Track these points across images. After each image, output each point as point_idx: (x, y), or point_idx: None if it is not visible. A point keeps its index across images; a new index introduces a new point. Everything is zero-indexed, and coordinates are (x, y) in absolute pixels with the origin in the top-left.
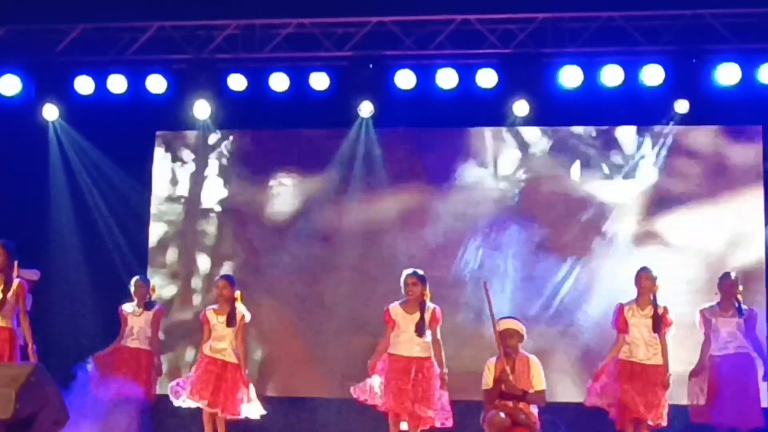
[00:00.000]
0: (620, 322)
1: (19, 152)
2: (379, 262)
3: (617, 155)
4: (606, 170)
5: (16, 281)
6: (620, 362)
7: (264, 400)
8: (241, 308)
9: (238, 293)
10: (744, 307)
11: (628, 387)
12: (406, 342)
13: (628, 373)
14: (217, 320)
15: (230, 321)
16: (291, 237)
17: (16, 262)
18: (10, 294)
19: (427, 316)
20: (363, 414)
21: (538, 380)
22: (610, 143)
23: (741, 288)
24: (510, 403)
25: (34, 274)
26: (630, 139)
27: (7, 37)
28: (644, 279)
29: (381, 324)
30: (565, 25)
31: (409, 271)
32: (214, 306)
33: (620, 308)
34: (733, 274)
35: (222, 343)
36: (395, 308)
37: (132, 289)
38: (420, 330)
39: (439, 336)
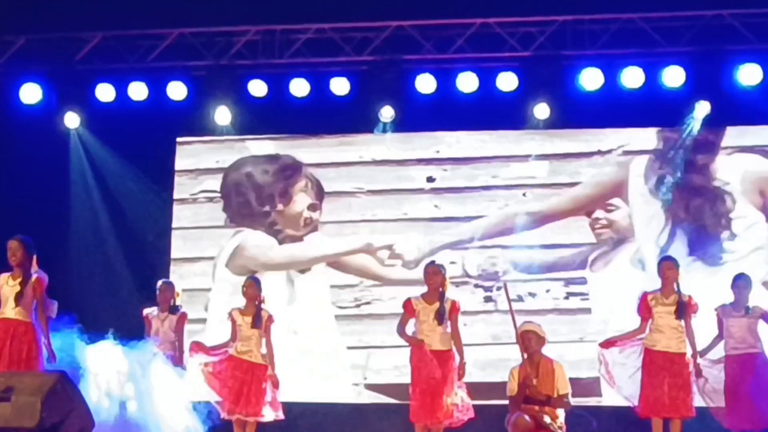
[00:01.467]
0: (643, 309)
1: (40, 160)
2: None
3: None
4: None
5: (33, 276)
6: (645, 351)
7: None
8: (266, 309)
9: (263, 295)
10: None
11: (655, 382)
12: (430, 334)
13: (651, 363)
14: (242, 321)
15: (256, 322)
16: None
17: (34, 257)
18: (27, 288)
19: (447, 306)
20: None
21: (563, 383)
22: None
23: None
24: (535, 407)
25: (52, 309)
26: None
27: (27, 46)
28: (667, 269)
29: None
30: (584, 27)
31: (429, 260)
32: (240, 306)
33: (644, 296)
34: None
35: (248, 344)
36: (416, 299)
37: (157, 292)
38: (440, 318)
39: (458, 327)
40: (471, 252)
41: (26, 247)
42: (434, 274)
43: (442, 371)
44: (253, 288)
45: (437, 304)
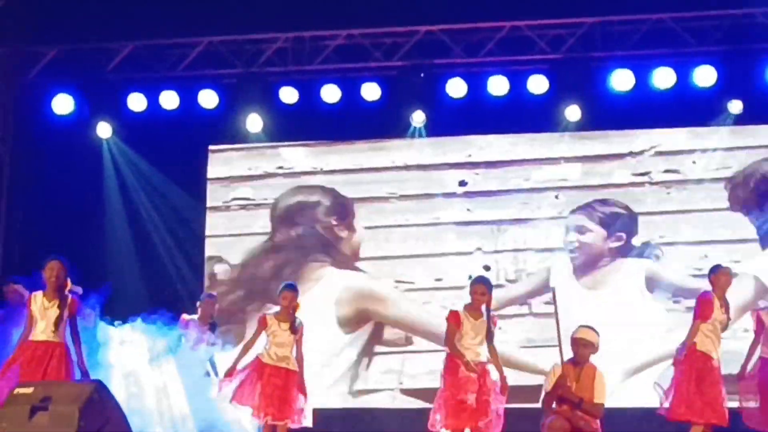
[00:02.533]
0: (705, 311)
1: (73, 171)
2: None
3: None
4: None
5: (69, 297)
6: (701, 355)
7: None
8: (297, 315)
9: (299, 302)
10: None
11: (692, 389)
12: (471, 347)
13: (697, 366)
14: (279, 327)
15: (293, 328)
16: None
17: (69, 280)
18: (66, 311)
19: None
20: None
21: (600, 393)
22: None
23: None
24: (567, 407)
25: (90, 319)
26: None
27: (59, 58)
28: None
29: None
30: (614, 29)
31: (477, 276)
32: (274, 311)
33: (710, 298)
34: None
35: (284, 350)
36: (463, 313)
37: (199, 304)
38: (491, 337)
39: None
40: (505, 255)
41: (67, 270)
42: (482, 294)
43: (479, 381)
44: (292, 295)
45: (483, 321)
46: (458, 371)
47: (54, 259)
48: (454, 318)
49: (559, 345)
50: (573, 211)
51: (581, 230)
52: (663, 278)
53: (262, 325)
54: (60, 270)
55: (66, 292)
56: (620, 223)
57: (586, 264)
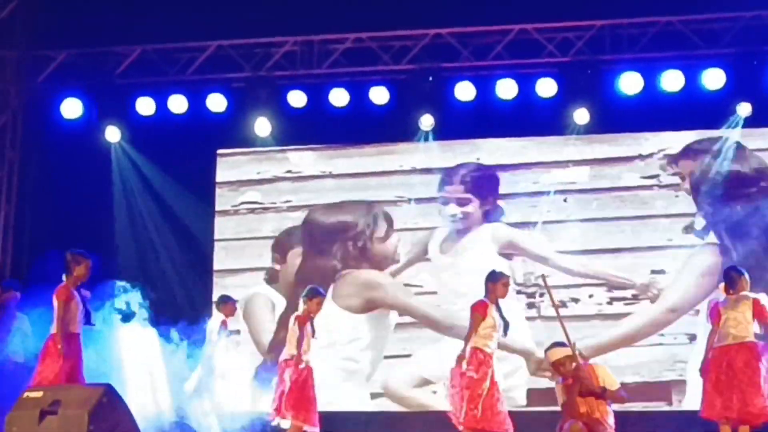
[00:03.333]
0: (713, 315)
1: (82, 174)
2: None
3: None
4: None
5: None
6: (715, 351)
7: None
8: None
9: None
10: None
11: (724, 373)
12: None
13: (719, 360)
14: (309, 330)
15: (314, 332)
16: None
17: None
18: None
19: None
20: None
21: (611, 380)
22: None
23: None
24: (591, 399)
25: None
26: None
27: (67, 62)
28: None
29: None
30: (623, 32)
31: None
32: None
33: (715, 304)
34: None
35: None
36: (491, 306)
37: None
38: (507, 329)
39: None
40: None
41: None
42: (506, 286)
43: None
44: (319, 299)
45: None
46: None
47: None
48: (485, 309)
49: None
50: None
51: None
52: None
53: (299, 326)
54: (87, 266)
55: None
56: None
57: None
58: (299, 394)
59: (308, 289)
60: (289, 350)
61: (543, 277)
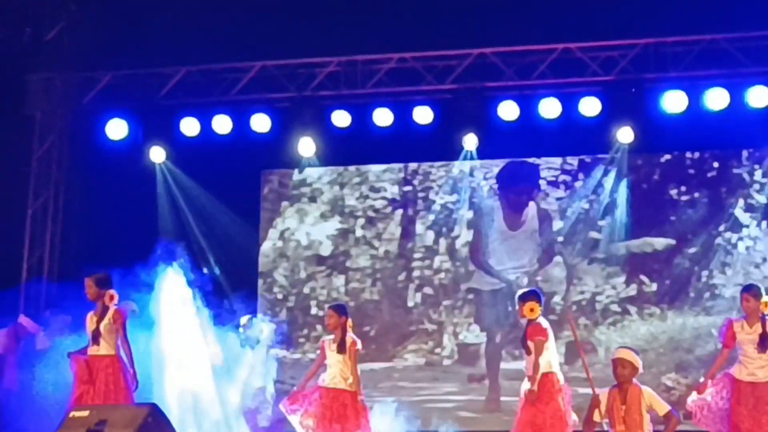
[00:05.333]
0: (727, 337)
1: (127, 195)
2: None
3: None
4: None
5: (112, 309)
6: (731, 379)
7: None
8: (350, 335)
9: (349, 321)
10: None
11: (739, 409)
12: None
13: (737, 392)
14: (329, 348)
15: (340, 348)
16: None
17: (111, 292)
18: (105, 323)
19: None
20: None
21: (659, 405)
22: None
23: None
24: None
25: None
26: None
27: (113, 83)
28: (744, 300)
29: None
30: (667, 50)
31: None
32: (331, 336)
33: (729, 323)
34: None
35: (333, 370)
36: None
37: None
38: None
39: None
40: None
41: (97, 283)
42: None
43: None
44: (334, 318)
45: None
46: None
47: (87, 276)
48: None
49: None
50: None
51: None
52: None
53: (321, 349)
54: (89, 286)
55: (108, 304)
56: None
57: None
58: None
59: None
60: None
61: (569, 315)
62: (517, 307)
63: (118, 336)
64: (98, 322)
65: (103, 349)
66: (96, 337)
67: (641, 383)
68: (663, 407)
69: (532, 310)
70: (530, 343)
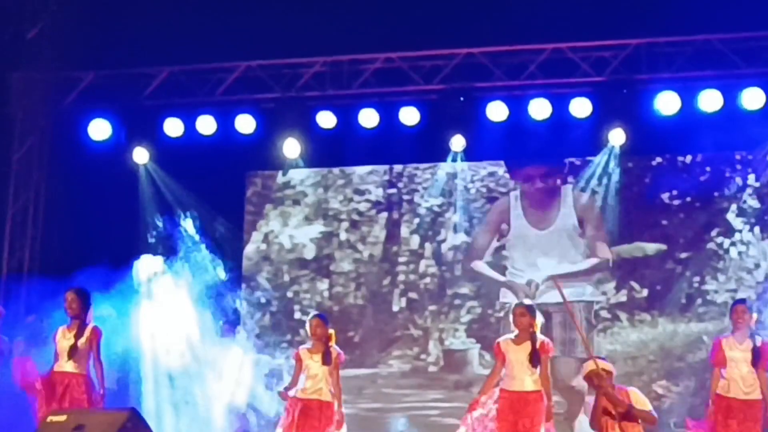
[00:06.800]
0: (718, 357)
1: (110, 196)
2: None
3: None
4: None
5: (89, 327)
6: (718, 397)
7: None
8: (335, 347)
9: (332, 332)
10: None
11: (729, 423)
12: (518, 375)
13: (726, 409)
14: (311, 359)
15: (326, 359)
16: None
17: (90, 308)
18: (83, 340)
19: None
20: None
21: (643, 403)
22: None
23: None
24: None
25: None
26: None
27: (95, 83)
28: (740, 312)
29: None
30: (659, 50)
31: (517, 301)
32: (308, 345)
33: (718, 342)
34: None
35: (317, 382)
36: (504, 341)
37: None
38: (534, 360)
39: (548, 368)
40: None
41: (82, 298)
42: (521, 315)
43: (528, 411)
44: (322, 327)
45: (528, 345)
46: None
47: (70, 289)
48: (495, 349)
49: None
50: None
51: None
52: None
53: (295, 360)
54: (74, 300)
55: (86, 322)
56: None
57: None
58: None
59: None
60: None
61: (555, 280)
62: (524, 318)
63: (91, 354)
64: (76, 338)
65: (75, 367)
66: (72, 353)
67: None
68: (645, 405)
69: (531, 325)
70: (543, 357)
